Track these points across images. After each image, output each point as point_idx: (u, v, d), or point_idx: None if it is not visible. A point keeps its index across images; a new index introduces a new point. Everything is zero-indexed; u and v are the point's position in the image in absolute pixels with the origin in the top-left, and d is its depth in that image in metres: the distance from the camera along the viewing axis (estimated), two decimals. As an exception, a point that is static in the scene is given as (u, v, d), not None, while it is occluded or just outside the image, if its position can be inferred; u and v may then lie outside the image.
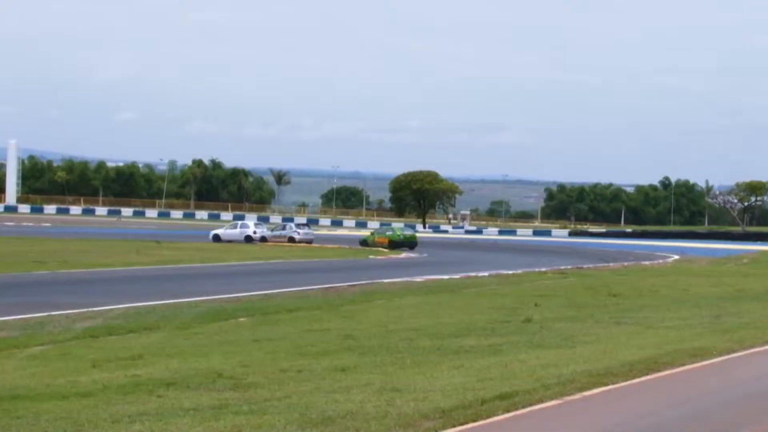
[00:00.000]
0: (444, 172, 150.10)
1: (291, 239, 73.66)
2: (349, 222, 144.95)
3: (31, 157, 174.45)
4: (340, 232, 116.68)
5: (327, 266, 47.59)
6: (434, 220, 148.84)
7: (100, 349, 16.55)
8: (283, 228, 79.21)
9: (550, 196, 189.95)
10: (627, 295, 29.82)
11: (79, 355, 15.80)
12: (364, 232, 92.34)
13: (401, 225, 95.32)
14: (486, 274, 41.27)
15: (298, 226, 79.86)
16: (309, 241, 73.62)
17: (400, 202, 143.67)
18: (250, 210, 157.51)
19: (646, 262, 56.49)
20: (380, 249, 67.98)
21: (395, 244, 69.09)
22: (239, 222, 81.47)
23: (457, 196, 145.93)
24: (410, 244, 70.05)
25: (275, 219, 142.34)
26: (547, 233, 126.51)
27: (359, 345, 16.55)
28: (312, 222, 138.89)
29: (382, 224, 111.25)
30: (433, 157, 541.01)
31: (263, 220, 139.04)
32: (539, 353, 15.55)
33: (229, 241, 72.11)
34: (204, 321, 21.26)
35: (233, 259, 50.73)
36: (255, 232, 74.95)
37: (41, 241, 65.67)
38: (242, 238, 73.44)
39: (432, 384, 12.26)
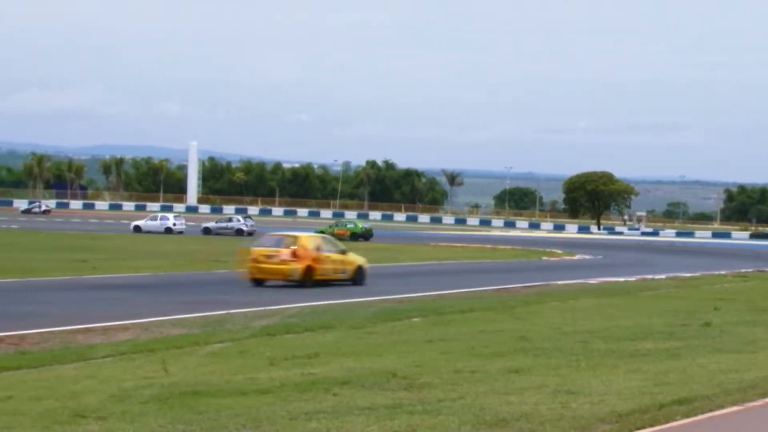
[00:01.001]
0: (619, 173, 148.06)
1: (239, 231, 77.17)
2: (522, 223, 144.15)
3: (211, 159, 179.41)
4: (512, 233, 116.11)
5: (500, 267, 47.41)
6: (609, 222, 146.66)
7: (278, 346, 16.82)
8: (230, 220, 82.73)
9: (729, 197, 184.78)
10: (812, 300, 28.75)
11: (257, 352, 16.10)
12: (536, 233, 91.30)
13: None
14: (663, 276, 40.45)
15: (245, 218, 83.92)
16: (252, 233, 76.50)
17: (573, 203, 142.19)
18: (423, 211, 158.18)
19: (832, 266, 54.40)
20: (553, 251, 67.40)
21: (356, 236, 75.86)
22: (160, 215, 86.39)
23: (632, 197, 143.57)
24: (367, 235, 77.56)
25: (448, 220, 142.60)
26: (727, 235, 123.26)
27: (533, 347, 16.41)
28: (485, 223, 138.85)
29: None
30: (608, 157, 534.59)
31: (436, 220, 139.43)
32: (719, 358, 15.14)
33: (149, 232, 76.40)
34: (378, 321, 21.41)
35: (407, 259, 51.05)
36: (174, 224, 79.38)
37: (221, 241, 67.37)
38: (162, 229, 78.02)
39: (608, 387, 12.07)
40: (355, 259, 33.57)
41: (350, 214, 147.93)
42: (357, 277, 32.83)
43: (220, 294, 28.28)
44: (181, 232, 78.51)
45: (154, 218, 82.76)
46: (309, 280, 31.33)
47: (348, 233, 76.36)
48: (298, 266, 31.37)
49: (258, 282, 31.63)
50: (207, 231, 78.64)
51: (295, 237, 33.58)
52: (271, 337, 18.53)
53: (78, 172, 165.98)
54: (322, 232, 77.13)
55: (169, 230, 78.22)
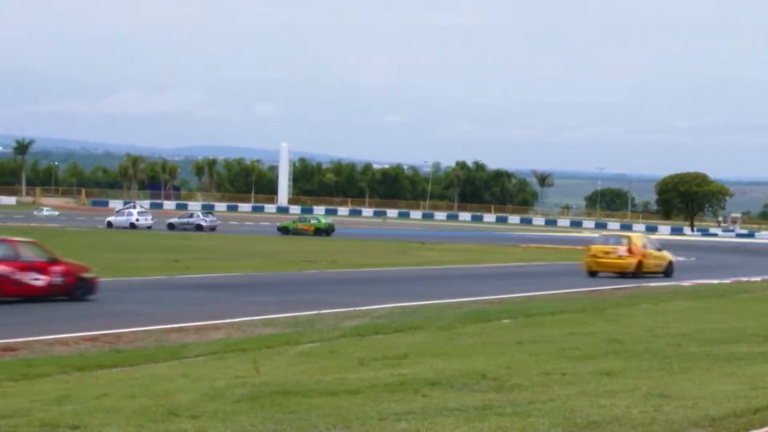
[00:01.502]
0: (713, 174, 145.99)
1: (199, 227, 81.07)
2: (613, 224, 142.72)
3: (302, 160, 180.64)
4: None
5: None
6: (702, 223, 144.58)
7: (367, 347, 16.87)
8: (191, 216, 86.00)
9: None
10: None
11: (346, 352, 16.16)
12: (621, 233, 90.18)
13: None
14: (758, 279, 39.70)
15: (205, 214, 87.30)
16: (213, 228, 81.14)
17: (666, 204, 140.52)
18: (513, 212, 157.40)
19: None
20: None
21: (319, 231, 78.97)
22: (126, 210, 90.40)
23: (726, 198, 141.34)
24: (329, 230, 79.81)
25: (538, 221, 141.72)
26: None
27: (624, 349, 16.23)
28: (575, 224, 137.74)
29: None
30: (702, 158, 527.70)
31: (526, 221, 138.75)
32: (817, 362, 14.82)
33: (123, 228, 79.88)
34: (467, 322, 21.37)
35: (495, 260, 50.85)
36: (138, 219, 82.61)
37: (310, 242, 67.79)
38: (127, 224, 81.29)
39: (701, 391, 11.89)
40: (667, 255, 39.49)
41: (440, 215, 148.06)
42: (668, 270, 38.63)
43: (311, 294, 28.47)
44: (149, 227, 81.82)
45: (121, 213, 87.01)
46: (639, 272, 37.42)
47: (312, 228, 79.97)
48: (633, 261, 37.75)
49: (593, 274, 37.81)
50: (171, 226, 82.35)
51: (629, 236, 40.46)
52: (360, 338, 18.60)
53: (171, 173, 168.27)
54: (285, 227, 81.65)
55: (133, 225, 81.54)
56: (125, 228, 79.84)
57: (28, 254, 24.92)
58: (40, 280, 24.40)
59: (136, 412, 10.32)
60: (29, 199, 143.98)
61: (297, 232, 78.88)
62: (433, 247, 63.67)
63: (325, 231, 79.43)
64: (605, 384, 12.39)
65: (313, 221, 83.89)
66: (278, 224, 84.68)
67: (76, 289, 25.10)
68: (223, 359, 15.85)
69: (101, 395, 11.81)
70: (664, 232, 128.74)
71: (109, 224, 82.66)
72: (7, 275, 23.75)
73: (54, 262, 25.10)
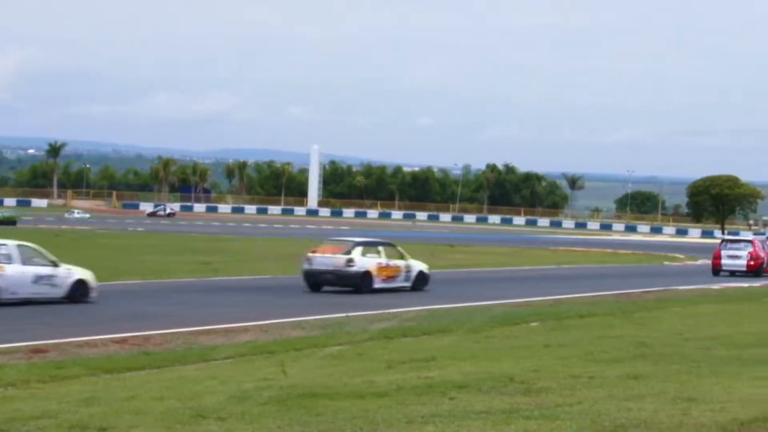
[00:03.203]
0: (746, 177, 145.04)
1: None
2: (643, 227, 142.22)
3: (332, 162, 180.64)
4: (633, 237, 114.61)
5: (619, 272, 46.83)
6: (733, 226, 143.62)
7: (395, 350, 16.89)
8: None
9: None
10: None
11: (374, 355, 16.19)
12: (658, 237, 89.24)
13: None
14: (790, 282, 39.44)
15: None
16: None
17: (697, 207, 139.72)
18: (543, 215, 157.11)
19: None
20: (675, 256, 66.44)
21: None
22: None
23: (759, 201, 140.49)
24: (10, 221, 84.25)
25: (568, 224, 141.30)
26: None
27: (653, 353, 16.18)
28: (605, 227, 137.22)
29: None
30: (735, 160, 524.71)
31: (556, 224, 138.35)
32: None
33: None
34: (495, 325, 21.36)
35: (525, 263, 50.77)
36: None
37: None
38: None
39: (730, 395, 11.83)
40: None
41: (469, 218, 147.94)
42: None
43: (339, 296, 28.52)
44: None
45: None
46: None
47: None
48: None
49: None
50: None
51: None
52: (388, 341, 18.62)
53: (203, 176, 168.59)
54: None
55: None
56: None
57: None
58: None
59: (164, 414, 10.38)
60: (60, 201, 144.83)
61: None
62: (462, 250, 63.62)
63: (5, 222, 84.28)
64: (632, 387, 12.35)
65: None
66: None
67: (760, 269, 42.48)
68: (251, 362, 15.91)
69: (129, 397, 11.88)
70: (694, 235, 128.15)
71: None
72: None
73: None
